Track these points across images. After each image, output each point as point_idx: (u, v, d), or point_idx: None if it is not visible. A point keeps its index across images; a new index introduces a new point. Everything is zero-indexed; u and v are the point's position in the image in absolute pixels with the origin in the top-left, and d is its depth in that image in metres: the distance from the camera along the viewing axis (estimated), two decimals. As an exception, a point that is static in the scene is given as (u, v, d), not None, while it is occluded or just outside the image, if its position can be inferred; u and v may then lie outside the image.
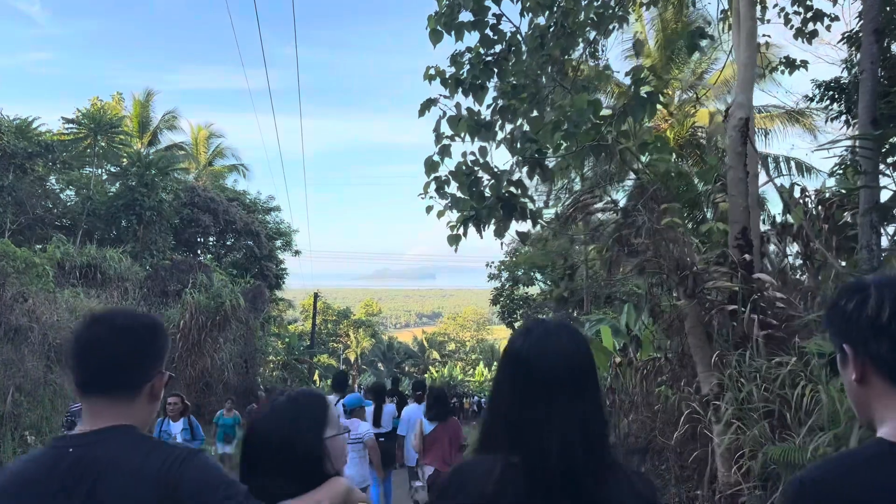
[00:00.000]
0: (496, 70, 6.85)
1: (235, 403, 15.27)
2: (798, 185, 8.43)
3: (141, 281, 21.16)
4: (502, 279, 33.26)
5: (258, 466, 1.85)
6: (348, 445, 2.96)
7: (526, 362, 1.59)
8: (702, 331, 6.64)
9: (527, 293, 33.84)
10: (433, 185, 6.32)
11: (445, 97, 6.62)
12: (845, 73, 10.80)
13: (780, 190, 7.95)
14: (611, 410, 8.71)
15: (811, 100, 11.15)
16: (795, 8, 9.59)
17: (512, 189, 6.28)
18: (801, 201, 8.15)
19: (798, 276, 8.29)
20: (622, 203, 8.04)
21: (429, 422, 7.89)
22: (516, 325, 33.41)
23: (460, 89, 6.69)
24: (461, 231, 6.41)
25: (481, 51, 6.81)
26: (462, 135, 6.32)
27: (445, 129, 6.34)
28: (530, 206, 6.22)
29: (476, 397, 48.88)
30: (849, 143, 9.81)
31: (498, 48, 6.84)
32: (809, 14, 9.62)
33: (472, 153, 6.42)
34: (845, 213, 8.14)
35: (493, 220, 6.37)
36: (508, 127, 6.75)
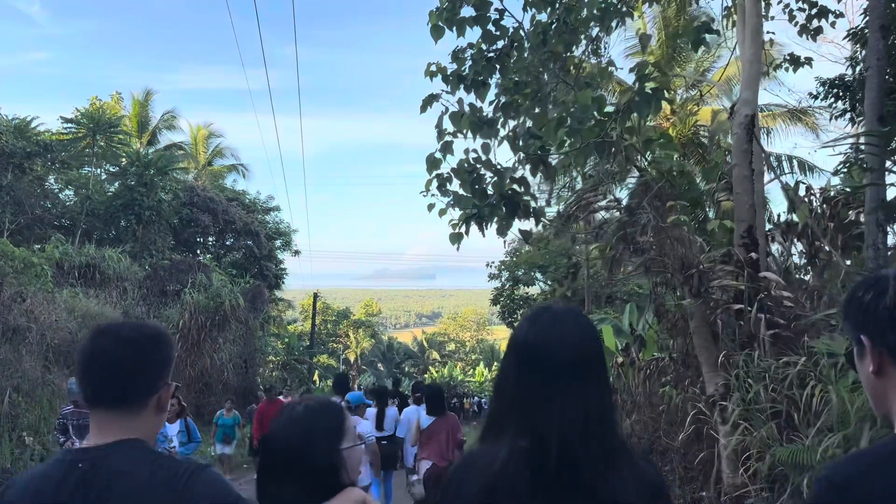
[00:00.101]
0: (498, 66, 6.76)
1: (235, 404, 15.21)
2: (803, 183, 8.37)
3: (140, 281, 21.07)
4: (502, 279, 33.15)
5: (274, 474, 1.85)
6: None
7: (533, 348, 1.59)
8: (707, 330, 6.56)
9: (527, 293, 33.74)
10: (435, 183, 6.23)
11: (447, 93, 6.53)
12: (850, 71, 10.72)
13: (785, 188, 7.87)
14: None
15: (815, 97, 11.06)
16: (800, 4, 9.50)
17: (515, 187, 6.19)
18: (805, 200, 8.08)
19: (801, 276, 8.21)
20: (624, 202, 7.97)
21: (427, 416, 7.90)
22: (517, 325, 33.25)
23: (462, 86, 6.60)
24: (463, 229, 6.32)
25: (483, 46, 6.72)
26: (464, 131, 6.22)
27: (448, 125, 6.25)
28: (533, 204, 6.13)
29: (476, 398, 48.77)
30: (854, 140, 9.74)
31: (500, 44, 6.74)
32: (814, 10, 9.53)
33: (475, 150, 6.34)
34: (851, 212, 8.07)
35: (495, 219, 6.29)
36: (511, 124, 6.67)
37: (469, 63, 6.63)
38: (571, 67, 7.51)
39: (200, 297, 20.65)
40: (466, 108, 6.25)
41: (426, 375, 56.36)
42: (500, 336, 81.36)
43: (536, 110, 6.29)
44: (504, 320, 34.95)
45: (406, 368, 67.97)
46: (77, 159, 25.60)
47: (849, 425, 4.65)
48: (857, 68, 10.43)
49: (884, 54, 7.87)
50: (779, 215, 8.50)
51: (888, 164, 7.61)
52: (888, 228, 7.29)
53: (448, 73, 6.82)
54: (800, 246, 8.30)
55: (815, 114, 18.20)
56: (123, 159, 26.00)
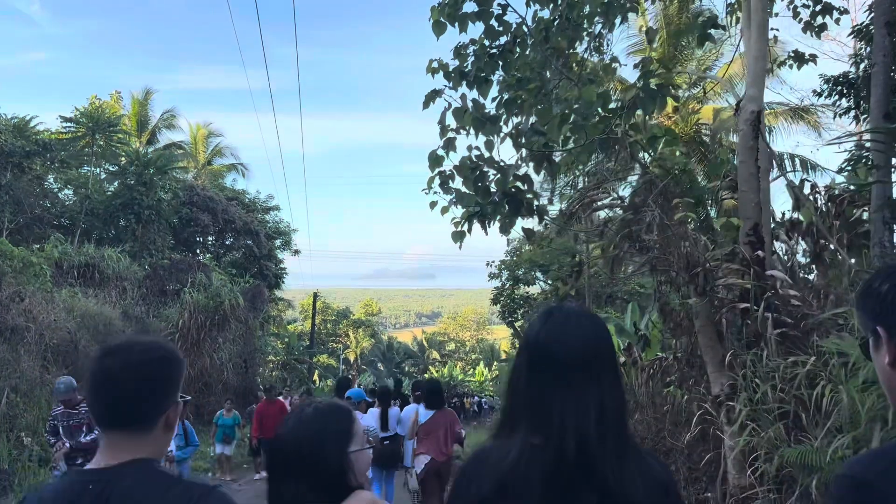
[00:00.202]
0: (501, 63, 6.67)
1: (234, 403, 15.14)
2: (808, 181, 8.29)
3: (139, 280, 21.00)
4: (503, 279, 33.06)
5: (283, 476, 1.87)
6: None
7: (545, 346, 1.61)
8: (712, 329, 6.48)
9: (527, 292, 33.66)
10: (437, 180, 6.15)
11: (449, 88, 6.44)
12: (854, 68, 10.64)
13: (791, 186, 7.80)
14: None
15: (819, 95, 10.97)
16: (804, 1, 9.42)
17: (518, 184, 6.11)
18: (811, 198, 8.00)
19: (805, 275, 8.14)
20: (627, 200, 7.88)
21: (425, 410, 7.89)
22: (517, 324, 33.27)
23: (464, 82, 6.51)
24: (465, 227, 6.24)
25: (486, 42, 6.63)
26: (467, 128, 6.13)
27: (450, 121, 6.16)
28: (536, 201, 6.05)
29: (476, 397, 48.73)
30: (862, 137, 9.67)
31: (503, 40, 6.66)
32: (818, 7, 9.45)
33: (477, 147, 6.26)
34: (857, 210, 7.99)
35: (498, 217, 6.20)
36: (514, 121, 6.59)
37: (471, 59, 6.54)
38: (574, 65, 7.43)
39: (200, 297, 20.58)
40: (469, 104, 6.16)
41: (426, 375, 56.27)
42: (500, 336, 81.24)
43: (540, 106, 6.20)
44: (504, 320, 34.85)
45: (406, 368, 67.90)
46: (76, 158, 25.52)
47: (859, 426, 4.57)
48: (862, 65, 10.35)
49: (889, 51, 7.80)
50: (783, 213, 8.43)
51: (895, 161, 7.53)
52: (894, 226, 7.22)
53: (450, 69, 6.73)
54: (803, 244, 8.24)
55: (817, 112, 18.11)
56: (123, 158, 25.93)
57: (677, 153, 6.36)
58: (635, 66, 6.21)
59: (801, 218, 7.99)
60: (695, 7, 14.34)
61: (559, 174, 7.55)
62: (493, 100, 6.41)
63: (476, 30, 6.71)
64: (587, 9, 7.05)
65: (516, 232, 6.64)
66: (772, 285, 5.88)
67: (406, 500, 9.34)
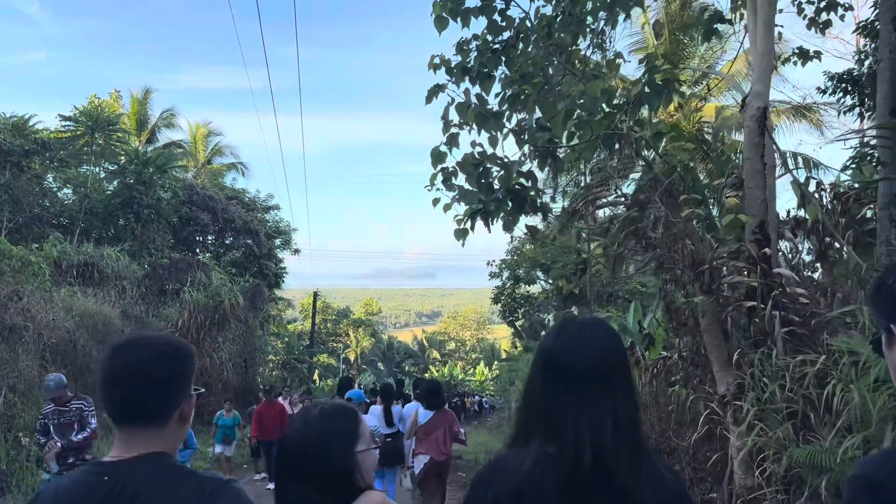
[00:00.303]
0: (504, 58, 6.58)
1: (234, 404, 15.05)
2: (814, 178, 8.22)
3: (139, 280, 20.92)
4: (503, 278, 32.99)
5: (290, 476, 1.89)
6: None
7: (560, 357, 1.64)
8: (718, 328, 6.40)
9: (528, 292, 33.59)
10: (440, 177, 6.06)
11: (452, 83, 6.35)
12: (858, 66, 10.57)
13: (796, 183, 7.71)
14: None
15: (823, 92, 10.90)
16: (809, -3, 9.34)
17: (522, 181, 6.02)
18: (816, 195, 7.92)
19: (810, 273, 8.06)
20: (631, 197, 7.80)
21: (425, 410, 7.91)
22: (518, 323, 33.22)
23: (467, 78, 6.42)
24: (468, 225, 6.15)
25: (488, 38, 6.54)
26: (471, 123, 6.04)
27: (453, 116, 6.07)
28: (546, 194, 5.96)
29: (477, 396, 48.63)
30: (866, 135, 9.58)
31: (506, 35, 6.57)
32: (823, 3, 9.36)
33: (480, 144, 6.17)
34: (862, 208, 7.91)
35: (501, 214, 6.12)
36: (517, 118, 6.50)
37: (474, 55, 6.45)
38: (577, 62, 7.35)
39: (200, 296, 20.51)
40: (473, 100, 6.07)
41: (426, 374, 56.20)
42: (501, 335, 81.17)
43: (545, 101, 6.10)
44: (505, 319, 34.78)
45: (406, 367, 67.80)
46: (75, 157, 25.45)
47: (870, 425, 4.50)
48: (867, 62, 10.27)
49: (896, 47, 7.72)
50: (788, 211, 8.36)
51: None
52: (901, 224, 7.14)
53: (452, 65, 6.65)
54: (807, 243, 8.16)
55: (819, 110, 18.04)
56: (122, 157, 25.86)
57: (684, 149, 6.26)
58: (640, 61, 6.13)
59: (806, 216, 7.91)
60: (698, 3, 14.24)
61: (563, 171, 7.46)
62: (497, 95, 6.33)
63: (478, 25, 6.61)
64: (589, 5, 6.98)
65: (519, 229, 6.57)
66: (779, 283, 5.79)
67: (406, 498, 9.30)
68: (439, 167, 6.03)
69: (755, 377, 5.45)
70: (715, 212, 8.02)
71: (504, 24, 6.55)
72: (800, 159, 16.03)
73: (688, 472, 7.09)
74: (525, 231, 6.85)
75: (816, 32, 9.57)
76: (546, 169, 6.14)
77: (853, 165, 9.96)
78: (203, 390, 1.89)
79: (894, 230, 7.19)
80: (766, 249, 6.14)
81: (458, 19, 6.56)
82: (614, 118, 5.74)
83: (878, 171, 8.30)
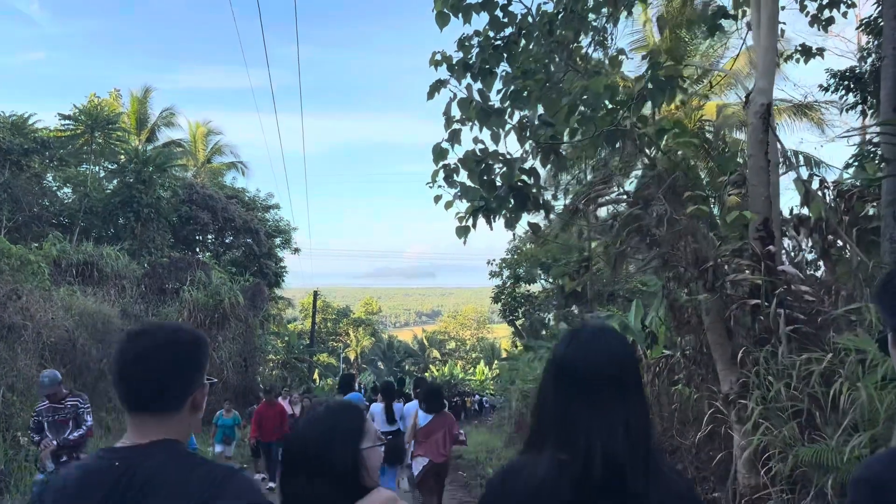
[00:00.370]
0: (506, 55, 6.53)
1: (233, 403, 14.99)
2: (817, 175, 8.15)
3: (138, 279, 20.87)
4: (503, 277, 32.97)
5: (296, 474, 1.89)
6: None
7: (572, 365, 1.66)
8: (722, 326, 6.34)
9: (528, 291, 33.57)
10: (441, 174, 6.00)
11: (454, 78, 6.29)
12: (861, 63, 10.52)
13: (800, 180, 7.65)
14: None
15: (826, 90, 10.84)
16: (812, -7, 9.28)
17: (524, 178, 5.96)
18: (819, 193, 7.86)
19: (812, 271, 8.01)
20: (633, 194, 7.75)
21: (424, 413, 7.92)
22: (518, 323, 33.20)
23: (469, 74, 6.36)
24: (470, 222, 6.10)
25: (490, 34, 6.48)
26: (472, 121, 5.98)
27: (456, 112, 6.01)
28: (548, 192, 5.91)
29: (477, 396, 48.60)
30: (869, 132, 9.55)
31: (508, 31, 6.51)
32: (826, 0, 9.29)
33: (482, 141, 6.11)
34: (866, 205, 7.86)
35: (503, 211, 6.06)
36: (518, 115, 6.44)
37: (476, 51, 6.39)
38: (578, 59, 7.30)
39: (199, 295, 20.47)
40: (476, 95, 6.02)
41: (426, 374, 56.17)
42: (501, 334, 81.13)
43: (549, 96, 6.03)
44: (505, 318, 34.77)
45: (406, 367, 67.78)
46: (75, 156, 25.39)
47: (877, 424, 4.45)
48: (870, 59, 10.22)
49: (900, 43, 7.66)
50: (791, 209, 8.31)
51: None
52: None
53: (453, 62, 6.59)
54: (809, 241, 8.11)
55: (820, 108, 17.98)
56: (122, 156, 25.81)
57: (688, 145, 6.20)
58: (643, 57, 6.07)
59: (809, 213, 7.85)
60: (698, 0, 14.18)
61: (566, 169, 7.41)
62: (499, 92, 6.27)
63: (480, 21, 6.56)
64: (591, 2, 6.92)
65: (521, 227, 6.51)
66: (785, 281, 5.74)
67: (406, 497, 9.27)
68: (441, 164, 5.97)
69: (760, 375, 5.39)
70: (716, 209, 7.98)
71: (506, 20, 6.49)
72: (801, 157, 15.97)
73: (691, 471, 7.04)
74: (527, 229, 6.78)
75: (819, 29, 9.50)
76: (549, 166, 6.08)
77: (856, 163, 9.92)
78: (216, 380, 1.90)
79: (898, 227, 7.13)
80: (771, 247, 6.09)
81: (460, 15, 6.51)
82: (617, 114, 5.69)
83: (881, 169, 8.25)
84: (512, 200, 5.87)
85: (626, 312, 12.95)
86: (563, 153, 6.19)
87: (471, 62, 6.43)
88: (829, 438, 4.83)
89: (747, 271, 6.20)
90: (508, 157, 5.94)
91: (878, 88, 10.10)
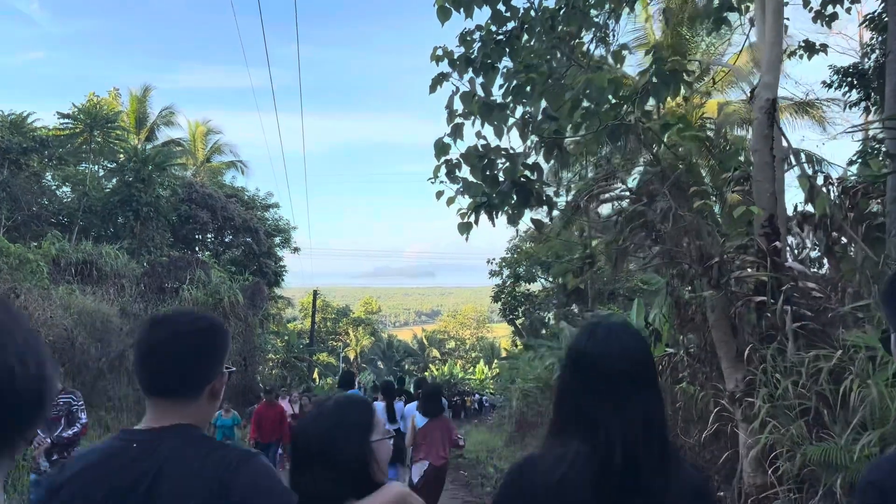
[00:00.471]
0: (508, 49, 6.45)
1: (232, 403, 14.90)
2: (821, 172, 8.09)
3: (138, 278, 20.78)
4: (503, 276, 32.90)
5: (306, 468, 1.90)
6: None
7: (591, 359, 1.69)
8: (727, 323, 6.28)
9: (528, 290, 33.52)
10: (444, 169, 5.92)
11: (455, 75, 6.22)
12: (865, 59, 10.46)
13: (805, 176, 7.59)
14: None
15: (829, 86, 10.78)
16: (815, -11, 9.21)
17: (527, 173, 5.89)
18: (823, 189, 7.80)
19: (816, 268, 7.95)
20: (636, 190, 7.68)
21: (422, 416, 7.94)
22: (518, 322, 33.13)
23: (471, 69, 6.28)
24: (472, 219, 6.02)
25: (492, 28, 6.41)
26: (475, 116, 5.90)
27: (458, 106, 5.93)
28: (548, 191, 5.84)
29: (477, 395, 48.57)
30: (873, 128, 9.48)
31: (510, 26, 6.43)
32: (830, -4, 9.22)
33: (484, 137, 6.04)
34: (871, 202, 7.79)
35: (506, 207, 5.99)
36: (520, 110, 6.36)
37: (478, 45, 6.31)
38: (580, 55, 7.23)
39: (199, 294, 20.39)
40: (478, 89, 5.94)
41: (426, 373, 56.12)
42: (500, 333, 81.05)
43: (553, 89, 5.95)
44: (505, 317, 34.70)
45: (406, 366, 67.73)
46: (74, 155, 25.32)
47: (887, 422, 4.38)
48: (873, 56, 10.16)
49: (906, 38, 7.60)
50: (795, 206, 8.23)
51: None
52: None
53: (455, 57, 6.51)
54: (813, 238, 8.04)
55: (822, 107, 17.93)
56: (121, 155, 25.72)
57: (693, 139, 6.13)
58: (646, 52, 6.00)
59: (813, 210, 7.79)
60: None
61: (569, 164, 7.33)
62: (501, 87, 6.19)
63: (482, 16, 6.48)
64: (593, -2, 6.84)
65: (524, 223, 6.44)
66: (791, 277, 5.67)
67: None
68: (443, 159, 5.90)
69: (767, 373, 5.32)
70: (716, 208, 7.91)
71: (508, 14, 6.41)
72: (802, 155, 15.89)
73: (695, 470, 6.97)
74: (529, 226, 6.71)
75: (822, 25, 9.43)
76: (552, 161, 6.00)
77: (859, 160, 9.86)
78: (234, 369, 1.91)
79: (904, 224, 7.07)
80: (777, 243, 6.02)
81: (462, 10, 6.43)
82: (621, 109, 5.61)
83: (886, 165, 8.19)
84: (515, 196, 5.79)
85: (627, 311, 12.90)
86: (567, 148, 6.11)
87: (472, 57, 6.35)
88: (838, 437, 4.76)
89: (750, 269, 6.14)
90: (511, 150, 5.86)
91: (881, 85, 10.03)
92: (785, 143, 7.18)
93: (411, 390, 15.42)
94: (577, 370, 1.72)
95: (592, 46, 7.48)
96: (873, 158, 9.40)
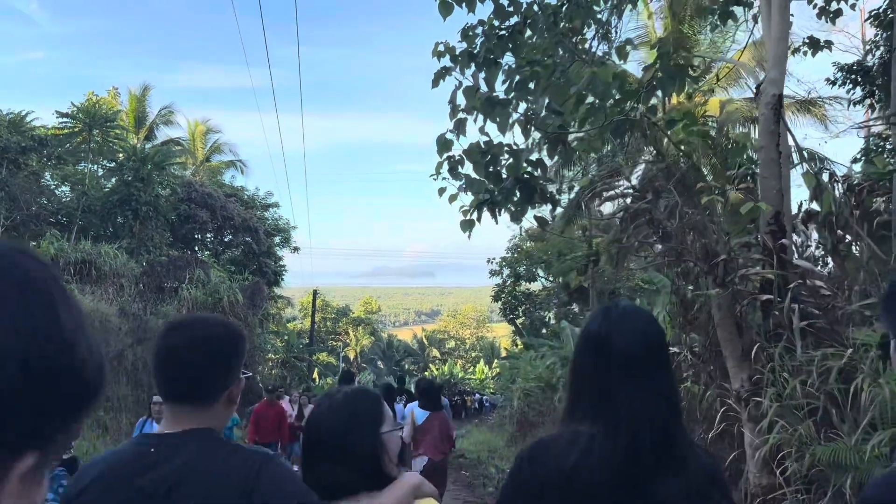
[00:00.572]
0: (510, 45, 6.36)
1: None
2: (826, 169, 8.03)
3: (137, 277, 20.69)
4: (504, 276, 32.87)
5: (318, 461, 1.89)
6: None
7: (606, 341, 1.68)
8: (732, 322, 6.20)
9: (528, 289, 33.49)
10: (446, 166, 5.83)
11: (460, 65, 6.13)
12: (869, 56, 10.39)
13: (810, 174, 7.51)
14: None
15: (833, 83, 10.69)
16: (820, -15, 9.12)
17: (530, 170, 5.80)
18: (829, 187, 7.73)
19: (821, 267, 7.88)
20: (639, 187, 7.60)
21: (421, 410, 7.95)
22: (518, 321, 33.09)
23: (473, 65, 6.19)
24: (475, 216, 5.94)
25: (495, 23, 6.32)
26: (478, 110, 5.80)
27: (461, 101, 5.83)
28: (550, 188, 5.75)
29: (477, 395, 48.53)
30: (878, 125, 9.42)
31: (513, 20, 6.34)
32: (834, -8, 9.14)
33: (487, 133, 5.95)
34: (877, 199, 7.73)
35: (509, 204, 5.90)
36: (523, 107, 6.28)
37: (480, 40, 6.22)
38: (583, 52, 7.14)
39: (198, 294, 20.30)
40: (482, 84, 5.85)
41: (426, 373, 56.06)
42: (500, 333, 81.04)
43: (557, 81, 5.86)
44: (506, 317, 34.67)
45: (406, 366, 67.69)
46: (73, 155, 25.22)
47: (898, 422, 4.31)
48: (878, 52, 10.09)
49: (911, 34, 7.53)
50: (800, 203, 8.16)
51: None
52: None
53: (457, 52, 6.42)
54: (817, 236, 7.97)
55: (824, 104, 17.85)
56: (120, 154, 25.62)
57: (700, 135, 6.05)
58: (651, 46, 5.92)
59: (818, 208, 7.73)
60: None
61: (573, 161, 7.25)
62: (503, 83, 6.10)
63: (483, 11, 6.39)
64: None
65: (526, 220, 6.34)
66: (800, 275, 5.59)
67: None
68: (445, 155, 5.81)
69: (775, 372, 5.24)
70: (719, 208, 7.83)
71: (511, 8, 6.32)
72: (804, 153, 15.81)
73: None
74: (531, 223, 6.62)
75: (826, 21, 9.35)
76: (556, 157, 5.92)
77: (863, 158, 9.79)
78: (250, 373, 1.89)
79: (910, 222, 6.99)
80: (784, 240, 5.94)
81: (464, 5, 6.34)
82: (627, 104, 5.53)
83: (891, 163, 8.13)
84: (518, 193, 5.70)
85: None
86: (572, 144, 6.02)
87: (475, 52, 6.26)
88: (847, 437, 4.69)
89: (756, 267, 6.06)
90: (515, 146, 5.78)
91: (886, 81, 9.95)
92: (791, 140, 7.10)
93: (412, 390, 15.35)
94: (592, 352, 1.71)
95: (595, 43, 7.41)
96: (877, 156, 9.32)
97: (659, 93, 5.48)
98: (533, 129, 6.06)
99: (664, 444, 1.56)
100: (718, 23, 6.72)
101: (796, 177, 8.17)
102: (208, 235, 30.84)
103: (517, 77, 5.80)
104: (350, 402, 1.96)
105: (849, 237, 7.45)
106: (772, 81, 6.36)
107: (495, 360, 53.67)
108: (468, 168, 5.85)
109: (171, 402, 1.72)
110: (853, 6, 9.41)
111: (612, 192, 7.65)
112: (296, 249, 34.82)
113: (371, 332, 71.45)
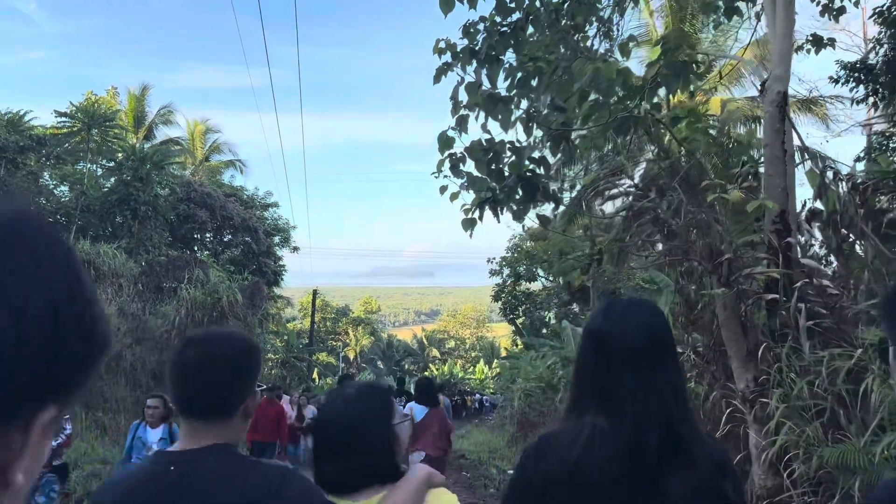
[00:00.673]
0: (512, 42, 6.29)
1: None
2: (831, 167, 7.94)
3: (136, 277, 20.61)
4: (504, 275, 32.80)
5: (331, 456, 1.88)
6: None
7: (609, 335, 1.68)
8: (737, 322, 6.13)
9: (528, 289, 33.42)
10: (447, 164, 5.76)
11: (458, 68, 6.06)
12: (872, 54, 10.32)
13: (815, 172, 7.44)
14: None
15: (836, 82, 10.62)
16: (823, -18, 9.05)
17: (533, 168, 5.73)
18: (833, 186, 7.66)
19: (825, 266, 7.81)
20: (645, 185, 7.53)
21: (420, 407, 7.98)
22: (519, 321, 33.03)
23: (475, 61, 6.12)
24: (477, 214, 5.87)
25: (497, 19, 6.24)
26: (480, 106, 5.73)
27: (463, 97, 5.76)
28: (553, 186, 5.68)
29: (478, 395, 48.45)
30: (882, 123, 9.36)
31: (515, 16, 6.27)
32: (837, -11, 9.07)
33: (489, 131, 5.88)
34: (881, 198, 7.66)
35: (511, 202, 5.83)
36: (525, 104, 6.21)
37: (482, 36, 6.14)
38: (585, 49, 7.08)
39: (198, 294, 20.22)
40: (484, 80, 5.78)
41: (426, 373, 56.01)
42: (500, 333, 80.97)
43: (560, 78, 5.78)
44: (506, 316, 34.61)
45: (406, 366, 67.64)
46: (71, 154, 25.14)
47: (908, 424, 4.23)
48: (881, 49, 10.01)
49: (917, 31, 7.46)
50: (804, 202, 8.09)
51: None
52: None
53: (458, 49, 6.35)
54: (820, 235, 7.90)
55: (825, 104, 17.80)
56: (119, 154, 25.55)
57: (705, 132, 5.98)
58: (655, 43, 5.85)
59: (821, 207, 7.66)
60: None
61: (576, 157, 7.17)
62: (505, 80, 6.03)
63: (485, 8, 6.32)
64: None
65: (528, 219, 6.27)
66: (806, 274, 5.52)
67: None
68: (447, 153, 5.74)
69: (782, 372, 5.17)
70: (719, 208, 7.77)
71: (513, 5, 6.25)
72: (806, 153, 15.75)
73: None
74: (532, 222, 6.55)
75: (830, 19, 9.29)
76: (558, 155, 5.84)
77: (867, 156, 9.74)
78: (264, 386, 1.86)
79: (916, 221, 6.93)
80: (789, 239, 5.87)
81: (465, 1, 6.27)
82: (630, 101, 5.46)
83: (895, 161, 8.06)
84: (520, 191, 5.63)
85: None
86: (575, 141, 5.95)
87: (477, 48, 6.18)
88: (855, 438, 4.62)
89: (761, 266, 5.99)
90: (517, 143, 5.70)
91: (890, 79, 9.90)
92: (795, 139, 7.03)
93: (412, 391, 15.29)
94: (596, 347, 1.70)
95: (597, 41, 7.34)
96: (881, 154, 9.28)
97: (663, 90, 5.40)
98: (535, 126, 5.99)
99: (670, 438, 1.54)
100: (723, 19, 6.63)
101: (799, 176, 8.10)
102: (207, 235, 30.76)
103: (519, 74, 5.73)
104: (363, 396, 1.97)
105: (853, 236, 7.39)
106: (777, 78, 6.29)
107: (495, 360, 53.61)
108: (470, 166, 5.79)
109: (189, 418, 1.71)
110: (856, 3, 9.34)
111: (614, 191, 7.57)
112: (295, 249, 34.76)
113: (371, 332, 71.43)
